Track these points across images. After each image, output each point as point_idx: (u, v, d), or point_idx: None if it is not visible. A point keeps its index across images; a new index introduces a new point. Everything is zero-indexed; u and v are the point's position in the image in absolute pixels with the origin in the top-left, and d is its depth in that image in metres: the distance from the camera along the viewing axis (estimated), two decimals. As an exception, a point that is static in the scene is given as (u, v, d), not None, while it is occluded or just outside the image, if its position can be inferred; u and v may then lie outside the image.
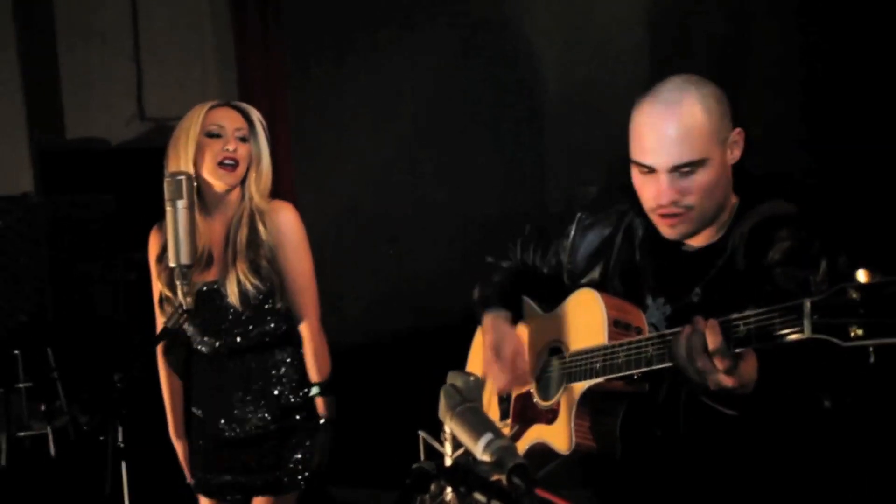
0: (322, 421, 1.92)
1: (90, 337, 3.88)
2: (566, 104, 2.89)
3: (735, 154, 1.33)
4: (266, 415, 1.89)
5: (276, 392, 1.90)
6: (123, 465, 1.56)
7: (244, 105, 1.90)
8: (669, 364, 1.19)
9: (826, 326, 1.00)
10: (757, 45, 2.52)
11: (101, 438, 1.50)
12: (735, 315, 1.11)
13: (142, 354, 1.61)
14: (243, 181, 1.88)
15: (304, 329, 1.91)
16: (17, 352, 3.61)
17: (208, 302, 1.86)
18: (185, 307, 1.55)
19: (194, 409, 1.98)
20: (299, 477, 1.91)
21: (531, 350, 1.52)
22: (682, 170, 1.27)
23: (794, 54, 2.43)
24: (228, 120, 1.85)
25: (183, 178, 1.58)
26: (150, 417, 2.03)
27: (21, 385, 3.60)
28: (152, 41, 4.28)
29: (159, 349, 1.98)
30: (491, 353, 1.51)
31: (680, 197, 1.29)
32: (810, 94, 2.37)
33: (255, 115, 1.89)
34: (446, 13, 3.11)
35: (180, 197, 1.56)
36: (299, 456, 1.90)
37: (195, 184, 1.62)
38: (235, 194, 1.89)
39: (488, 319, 1.57)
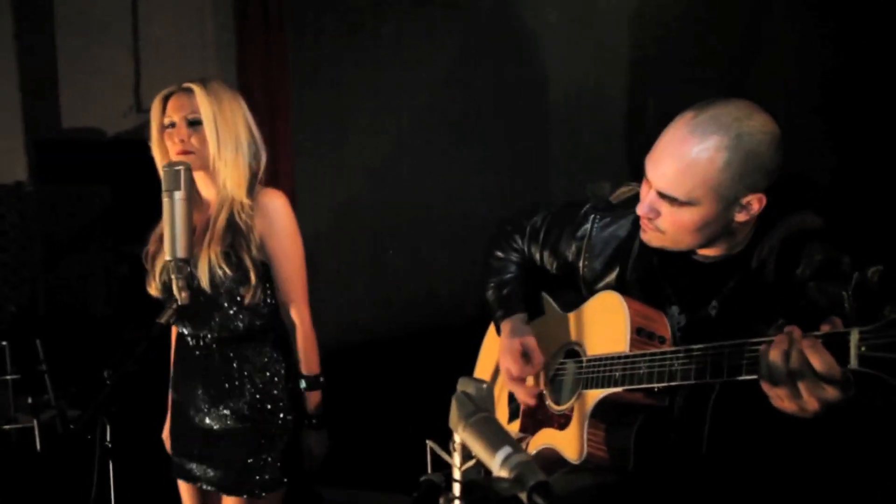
0: (313, 420, 1.86)
1: (80, 330, 3.81)
2: (571, 102, 2.85)
3: (740, 217, 1.24)
4: (232, 413, 1.84)
5: (246, 390, 1.84)
6: (111, 464, 1.50)
7: (193, 85, 1.80)
8: (693, 381, 1.14)
9: (874, 360, 0.94)
10: (770, 42, 2.47)
11: (89, 437, 1.44)
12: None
13: (133, 352, 1.55)
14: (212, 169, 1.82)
15: (295, 317, 1.84)
16: (4, 343, 3.55)
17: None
18: (179, 302, 1.50)
19: (172, 393, 1.94)
20: (265, 484, 1.83)
21: (546, 350, 1.47)
22: (664, 197, 1.23)
23: (811, 51, 2.39)
24: (178, 108, 1.79)
25: (181, 168, 1.53)
26: (139, 415, 1.98)
27: (8, 377, 3.54)
28: (151, 33, 4.23)
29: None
30: (516, 365, 1.45)
31: (655, 216, 1.25)
32: (827, 93, 2.33)
33: (200, 92, 1.77)
34: (452, 6, 3.07)
35: (178, 188, 1.51)
36: (271, 459, 1.84)
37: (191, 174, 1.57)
38: (210, 181, 1.83)
39: (509, 327, 1.52)
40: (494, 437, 0.79)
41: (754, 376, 1.08)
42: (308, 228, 1.92)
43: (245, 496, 1.84)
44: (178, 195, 1.52)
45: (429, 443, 0.94)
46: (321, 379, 1.87)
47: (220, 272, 1.76)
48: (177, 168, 1.53)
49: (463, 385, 0.90)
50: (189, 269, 1.54)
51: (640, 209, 1.26)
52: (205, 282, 1.77)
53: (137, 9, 4.22)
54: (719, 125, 1.18)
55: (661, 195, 1.22)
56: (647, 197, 1.25)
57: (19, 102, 4.26)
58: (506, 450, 0.75)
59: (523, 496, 0.69)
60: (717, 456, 1.23)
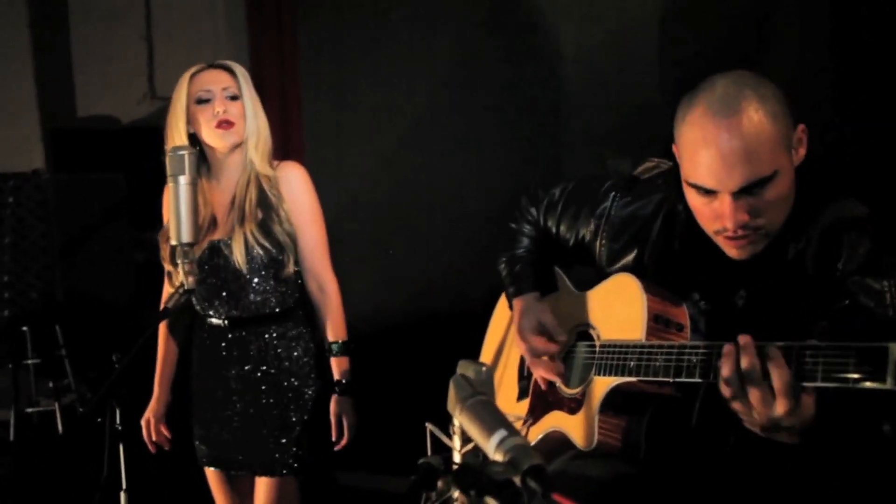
0: (343, 386, 1.85)
1: (98, 316, 3.87)
2: (584, 83, 2.80)
3: (800, 154, 1.17)
4: (262, 392, 1.85)
5: (275, 370, 1.85)
6: (121, 446, 1.52)
7: (228, 63, 1.85)
8: (711, 379, 1.09)
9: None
10: (781, 18, 2.40)
11: (99, 420, 1.46)
12: (802, 344, 1.00)
13: (143, 335, 1.56)
14: (242, 145, 1.83)
15: (324, 283, 1.86)
16: (25, 328, 3.62)
17: (211, 259, 1.82)
18: (186, 287, 1.50)
19: (195, 381, 1.94)
20: (301, 461, 1.86)
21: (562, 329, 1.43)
22: (752, 189, 1.12)
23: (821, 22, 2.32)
24: (214, 82, 1.80)
25: (185, 153, 1.53)
26: (149, 398, 2.00)
27: (29, 361, 3.61)
28: (164, 20, 4.24)
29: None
30: (538, 342, 1.42)
31: (750, 218, 1.14)
32: (837, 69, 2.26)
33: (240, 70, 1.84)
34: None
35: (182, 172, 1.51)
36: (302, 436, 1.85)
37: (197, 156, 1.57)
38: (238, 158, 1.84)
39: (522, 305, 1.48)
40: (490, 420, 0.78)
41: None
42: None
43: (279, 476, 1.85)
44: (184, 179, 1.52)
45: (428, 425, 0.93)
46: (351, 345, 1.88)
47: (258, 249, 1.78)
48: (181, 152, 1.53)
49: (462, 368, 0.89)
50: (194, 254, 1.54)
51: (727, 224, 1.14)
52: (241, 261, 1.78)
53: (150, -3, 4.23)
54: (738, 95, 1.13)
55: (743, 191, 1.13)
56: (726, 210, 1.13)
57: (35, 92, 4.30)
58: (501, 433, 0.74)
59: (517, 480, 0.68)
60: (744, 453, 1.18)
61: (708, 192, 1.16)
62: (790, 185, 1.16)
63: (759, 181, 1.12)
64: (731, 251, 1.20)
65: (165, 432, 1.95)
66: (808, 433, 1.05)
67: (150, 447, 1.95)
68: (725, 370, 1.05)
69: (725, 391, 1.06)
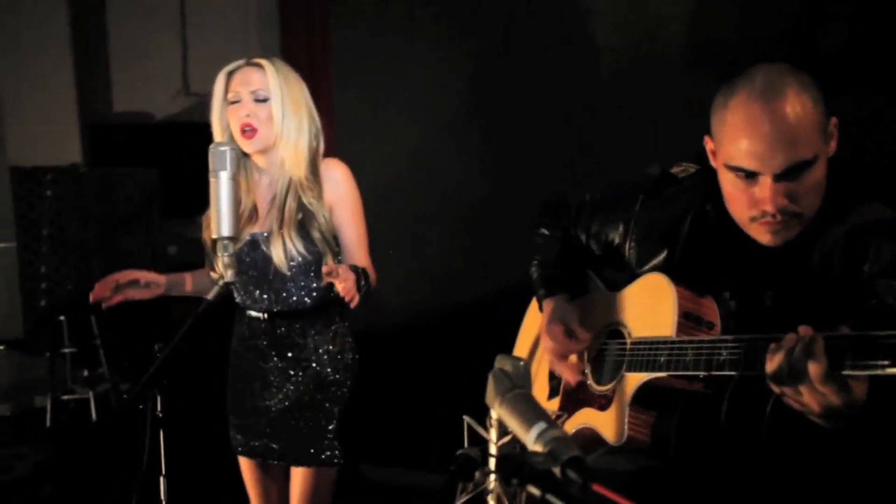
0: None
1: (132, 307, 3.96)
2: (616, 84, 2.79)
3: (832, 146, 1.20)
4: (300, 385, 1.87)
5: (313, 363, 1.88)
6: (161, 434, 1.57)
7: (263, 61, 1.80)
8: (741, 372, 1.11)
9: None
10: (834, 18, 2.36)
11: (140, 408, 1.50)
12: (834, 334, 1.02)
13: (184, 326, 1.60)
14: (274, 147, 1.83)
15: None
16: (62, 318, 3.72)
17: (253, 251, 1.85)
18: (226, 280, 1.53)
19: (232, 371, 1.96)
20: (336, 452, 1.89)
21: (590, 329, 1.45)
22: (793, 173, 1.14)
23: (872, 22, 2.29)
24: (244, 83, 1.79)
25: (226, 148, 1.55)
26: (191, 387, 2.05)
27: (66, 350, 3.71)
28: (198, 17, 4.31)
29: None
30: (560, 342, 1.44)
31: (789, 203, 1.16)
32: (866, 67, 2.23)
33: (273, 68, 1.78)
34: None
35: (223, 168, 1.54)
36: (333, 428, 1.87)
37: (238, 151, 1.60)
38: (274, 159, 1.84)
39: (551, 306, 1.50)
40: (529, 412, 0.80)
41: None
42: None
43: (316, 466, 1.87)
44: (224, 175, 1.54)
45: (466, 418, 0.96)
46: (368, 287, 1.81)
47: (295, 252, 1.80)
48: (222, 148, 1.56)
49: (500, 362, 0.91)
50: (234, 248, 1.57)
51: (767, 208, 1.16)
52: (281, 263, 1.80)
53: (184, -6, 4.31)
54: (779, 80, 1.16)
55: (785, 174, 1.14)
56: (767, 194, 1.15)
57: (73, 87, 4.41)
58: (540, 425, 0.75)
59: (557, 470, 0.70)
60: (776, 450, 1.19)
61: (749, 176, 1.17)
62: (825, 173, 1.19)
63: (801, 164, 1.14)
64: (765, 237, 1.21)
65: (128, 292, 1.89)
66: (859, 418, 1.06)
67: (98, 286, 1.87)
68: (772, 363, 1.06)
69: (774, 384, 1.08)
